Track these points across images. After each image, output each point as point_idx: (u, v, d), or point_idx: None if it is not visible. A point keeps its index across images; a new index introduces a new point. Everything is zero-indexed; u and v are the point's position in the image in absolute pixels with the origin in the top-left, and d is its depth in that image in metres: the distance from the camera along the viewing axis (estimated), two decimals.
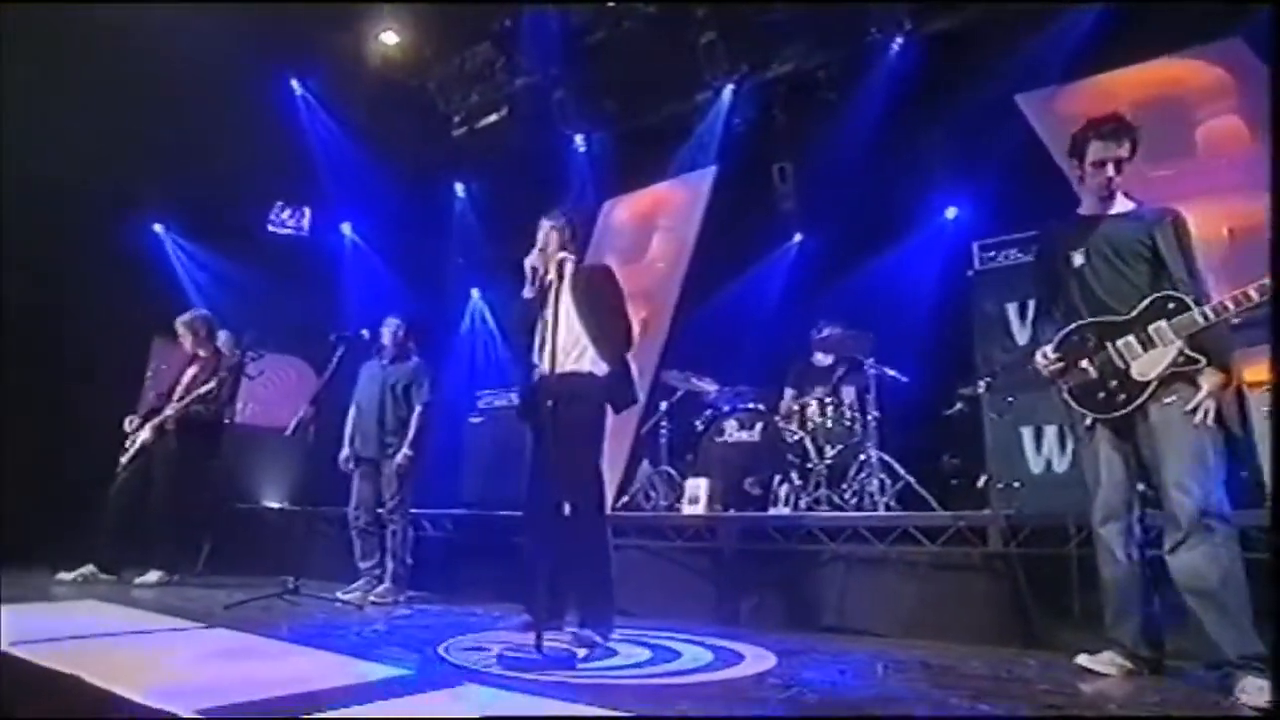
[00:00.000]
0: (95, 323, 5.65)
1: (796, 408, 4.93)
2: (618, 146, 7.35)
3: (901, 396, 4.82)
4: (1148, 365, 2.48)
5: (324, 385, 4.32)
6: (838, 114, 6.22)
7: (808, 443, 4.63)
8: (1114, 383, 2.54)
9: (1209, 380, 2.41)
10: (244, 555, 5.18)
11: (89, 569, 4.45)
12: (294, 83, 7.10)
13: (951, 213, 5.97)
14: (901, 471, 4.40)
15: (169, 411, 4.69)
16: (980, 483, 4.11)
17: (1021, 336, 3.68)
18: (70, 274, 5.60)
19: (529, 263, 3.11)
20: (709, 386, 5.19)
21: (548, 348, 2.92)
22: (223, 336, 5.07)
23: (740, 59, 6.45)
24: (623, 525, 4.19)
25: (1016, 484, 3.55)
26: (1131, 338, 2.52)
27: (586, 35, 6.68)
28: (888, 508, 4.23)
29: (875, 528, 3.62)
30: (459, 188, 8.18)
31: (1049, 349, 2.68)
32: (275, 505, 6.25)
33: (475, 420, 5.51)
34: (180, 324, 5.01)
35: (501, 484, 4.85)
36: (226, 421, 4.74)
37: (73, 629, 2.87)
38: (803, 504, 4.37)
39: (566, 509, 3.08)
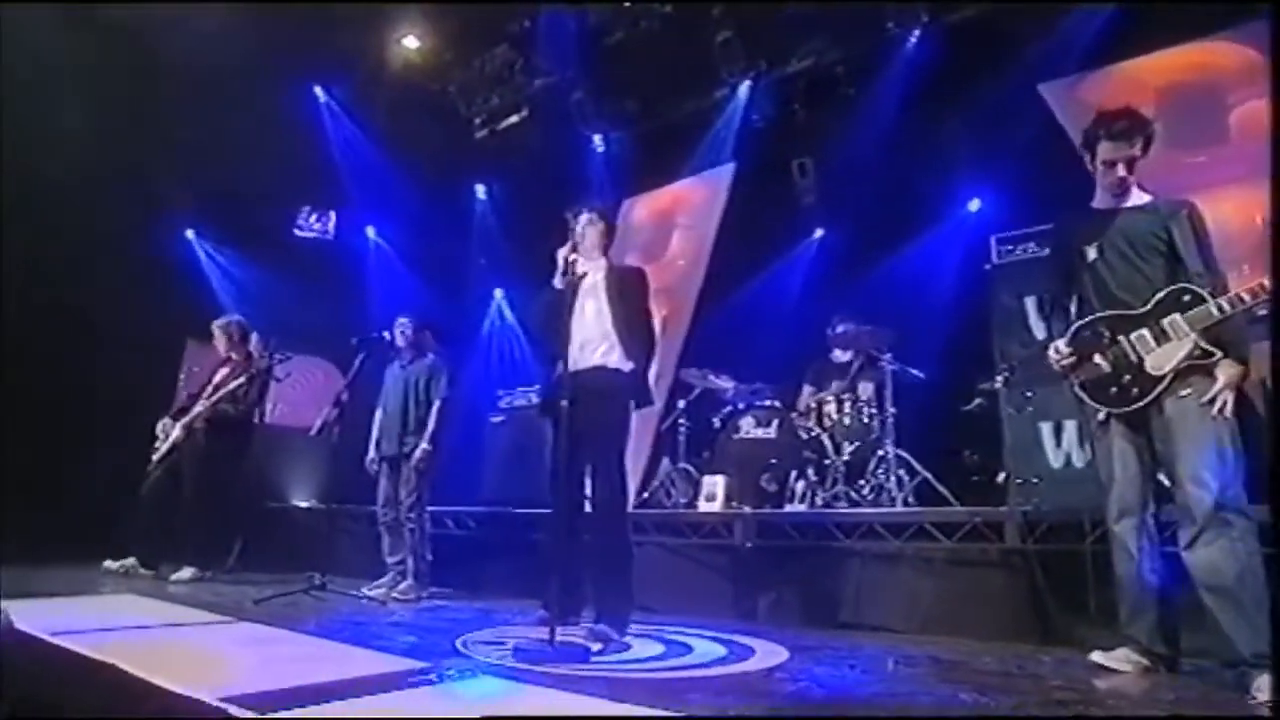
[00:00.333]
0: (133, 326, 5.85)
1: (814, 404, 4.92)
2: (636, 145, 7.40)
3: (920, 392, 4.80)
4: (1162, 359, 2.46)
5: (346, 387, 4.42)
6: (857, 108, 6.19)
7: (825, 439, 4.62)
8: (1127, 377, 2.51)
9: (1226, 373, 2.37)
10: (274, 552, 5.33)
11: (131, 561, 4.64)
12: (318, 90, 7.29)
13: (975, 205, 5.89)
14: (919, 467, 4.38)
15: (198, 410, 4.85)
16: (1000, 479, 4.07)
17: (1040, 331, 3.64)
18: (108, 279, 5.80)
19: (562, 254, 3.09)
20: (726, 384, 5.21)
21: (576, 340, 2.95)
22: (253, 340, 5.22)
23: (757, 56, 6.46)
24: (641, 522, 4.22)
25: (1035, 480, 3.51)
26: (1145, 331, 2.49)
27: (604, 36, 6.73)
28: (905, 504, 4.21)
29: (891, 524, 3.61)
30: (480, 189, 8.29)
31: (1061, 343, 2.66)
32: (304, 504, 6.41)
33: (496, 420, 5.59)
34: (216, 327, 5.18)
35: (521, 482, 4.93)
36: (255, 422, 4.86)
37: (112, 622, 2.99)
38: (819, 500, 4.37)
39: (588, 506, 3.12)
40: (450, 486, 5.02)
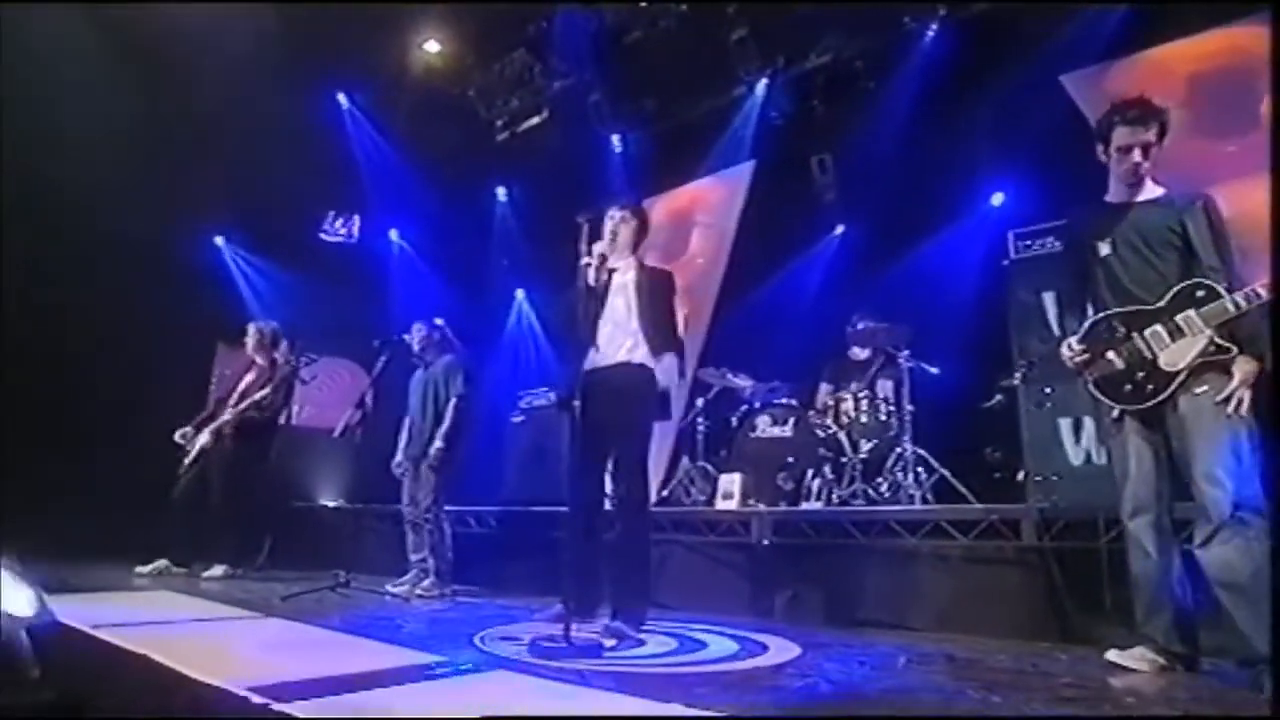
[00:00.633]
0: (168, 333, 6.04)
1: (832, 402, 4.92)
2: (654, 145, 7.40)
3: (939, 389, 4.76)
4: (1176, 355, 2.43)
5: (368, 389, 4.51)
6: (877, 103, 6.13)
7: (842, 437, 4.62)
8: (1141, 373, 2.49)
9: (1242, 369, 2.34)
10: (301, 551, 5.45)
11: (163, 563, 4.79)
12: (341, 97, 7.45)
13: (998, 199, 5.81)
14: (936, 465, 4.36)
15: (226, 417, 4.99)
16: (1021, 476, 4.04)
17: (1059, 327, 3.61)
18: (143, 288, 5.98)
19: (597, 250, 3.08)
20: (743, 383, 5.23)
21: (603, 336, 2.96)
22: (282, 347, 5.35)
23: (774, 53, 6.43)
24: (658, 520, 4.24)
25: (1054, 477, 3.48)
26: (1159, 327, 2.46)
27: (621, 36, 6.76)
28: (924, 501, 4.19)
29: (907, 521, 3.60)
30: (500, 191, 8.37)
31: (1073, 340, 2.64)
32: (330, 503, 6.56)
33: (517, 419, 5.66)
34: (252, 327, 5.34)
35: (541, 481, 5.00)
36: (281, 423, 4.99)
37: (147, 616, 3.11)
38: (835, 498, 4.37)
39: (607, 503, 3.16)
40: (472, 485, 5.10)
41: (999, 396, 4.45)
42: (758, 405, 4.93)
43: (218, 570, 4.76)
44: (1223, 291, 2.38)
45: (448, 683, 2.14)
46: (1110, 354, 2.55)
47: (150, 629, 2.82)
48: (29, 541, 2.55)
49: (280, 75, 6.01)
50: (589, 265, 3.13)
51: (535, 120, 7.62)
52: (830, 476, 4.46)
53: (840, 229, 6.70)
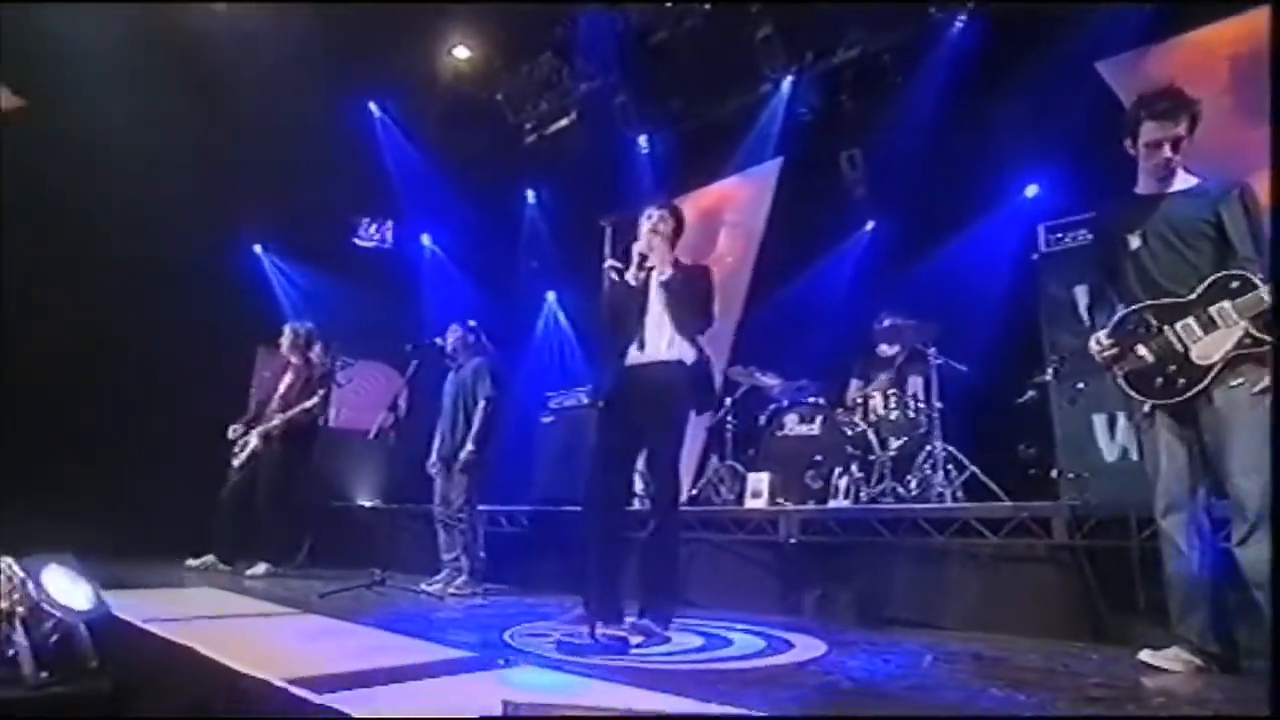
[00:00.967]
0: (211, 338, 6.26)
1: (860, 399, 4.88)
2: (681, 145, 7.39)
3: (969, 386, 4.69)
4: (1210, 348, 2.37)
5: (401, 391, 4.61)
6: (906, 97, 6.04)
7: (870, 434, 4.58)
8: (1173, 367, 2.43)
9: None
10: (339, 550, 5.61)
11: (210, 558, 4.99)
12: (372, 106, 7.62)
13: (1032, 191, 5.68)
14: (966, 462, 4.30)
15: (276, 421, 5.16)
16: (1055, 473, 3.97)
17: (1090, 321, 3.53)
18: (188, 295, 6.21)
19: (637, 249, 3.12)
20: (771, 381, 5.22)
21: (641, 335, 3.00)
22: (316, 348, 5.51)
23: (799, 50, 6.39)
24: (687, 519, 4.27)
25: (1086, 474, 3.42)
26: (1191, 320, 2.41)
27: (646, 37, 6.78)
28: (954, 499, 4.14)
29: (936, 519, 3.57)
30: (529, 194, 8.45)
31: (1102, 335, 2.60)
32: (367, 504, 6.72)
33: (547, 420, 5.73)
34: (287, 328, 5.50)
35: (571, 481, 5.04)
36: (321, 425, 5.13)
37: (193, 611, 3.26)
38: (864, 496, 4.34)
39: (635, 503, 3.18)
40: (503, 485, 5.19)
41: (1031, 393, 4.37)
42: (786, 404, 4.92)
43: (260, 568, 4.92)
44: (1259, 282, 2.32)
45: (479, 676, 2.20)
46: (1140, 348, 2.50)
47: (197, 623, 2.95)
48: (86, 540, 2.68)
49: (314, 87, 6.19)
50: (613, 268, 3.18)
51: (563, 122, 7.68)
52: (859, 474, 4.43)
53: (870, 225, 6.61)
